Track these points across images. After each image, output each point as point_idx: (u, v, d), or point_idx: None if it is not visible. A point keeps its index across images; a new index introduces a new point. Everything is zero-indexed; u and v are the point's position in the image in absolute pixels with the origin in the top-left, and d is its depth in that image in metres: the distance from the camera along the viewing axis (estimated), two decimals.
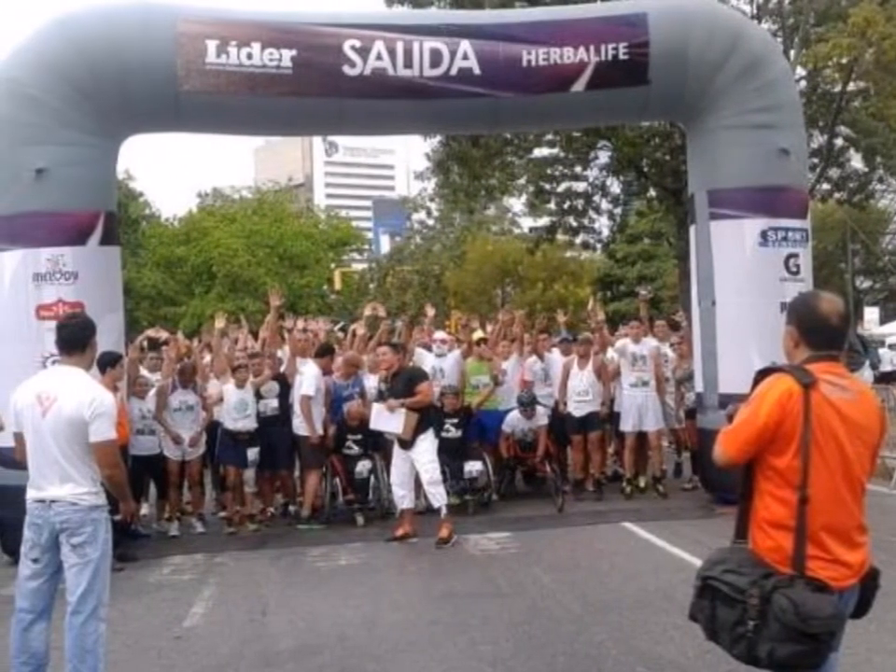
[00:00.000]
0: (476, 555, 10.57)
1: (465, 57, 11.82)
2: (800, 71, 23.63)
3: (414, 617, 8.27)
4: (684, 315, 14.88)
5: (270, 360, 12.70)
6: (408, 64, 11.73)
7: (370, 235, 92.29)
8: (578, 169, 29.99)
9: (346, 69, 11.64)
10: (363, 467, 12.32)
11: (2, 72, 11.33)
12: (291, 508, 12.92)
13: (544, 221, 35.34)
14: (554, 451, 13.71)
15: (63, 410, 5.87)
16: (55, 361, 7.92)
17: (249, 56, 11.47)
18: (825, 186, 28.85)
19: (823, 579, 3.92)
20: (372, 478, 12.42)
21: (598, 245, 37.39)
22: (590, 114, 13.71)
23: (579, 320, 28.54)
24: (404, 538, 11.21)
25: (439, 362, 13.41)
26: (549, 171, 29.82)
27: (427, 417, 11.22)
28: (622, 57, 12.02)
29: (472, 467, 12.57)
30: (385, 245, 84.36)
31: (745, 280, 12.28)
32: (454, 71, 11.82)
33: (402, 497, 11.32)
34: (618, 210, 35.21)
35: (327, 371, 12.80)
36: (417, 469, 11.15)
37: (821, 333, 4.10)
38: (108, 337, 9.85)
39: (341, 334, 18.17)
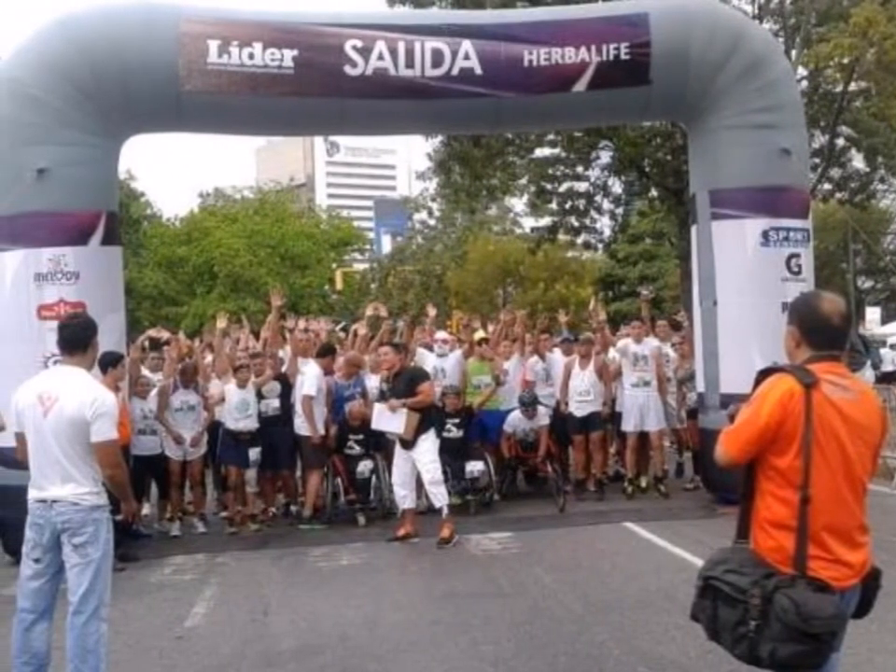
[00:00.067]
0: (478, 555, 10.57)
1: (466, 57, 11.82)
2: (801, 71, 23.64)
3: (416, 617, 8.27)
4: (686, 315, 14.88)
5: (271, 360, 12.71)
6: (409, 64, 11.72)
7: (371, 235, 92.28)
8: (579, 169, 29.99)
9: (348, 69, 11.64)
10: (365, 467, 12.32)
11: (4, 72, 11.34)
12: (293, 508, 12.92)
13: (546, 221, 35.35)
14: (556, 451, 13.72)
15: (65, 410, 5.88)
16: (56, 361, 7.94)
17: (251, 56, 11.47)
18: (826, 186, 28.82)
19: (825, 579, 3.92)
20: (374, 478, 12.42)
21: (600, 245, 37.34)
22: (591, 114, 13.70)
23: (580, 320, 28.51)
24: (406, 538, 11.21)
25: (440, 362, 13.40)
26: (550, 171, 29.81)
27: (429, 417, 11.22)
28: (623, 57, 12.02)
29: (474, 467, 12.56)
30: (387, 245, 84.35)
31: (746, 280, 12.27)
32: (455, 71, 11.82)
33: (404, 497, 11.32)
34: (619, 210, 35.21)
35: (328, 371, 12.80)
36: (419, 469, 11.15)
37: (823, 333, 4.10)
38: (110, 337, 9.85)
39: (342, 334, 18.17)
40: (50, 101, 10.88)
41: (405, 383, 11.17)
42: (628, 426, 13.66)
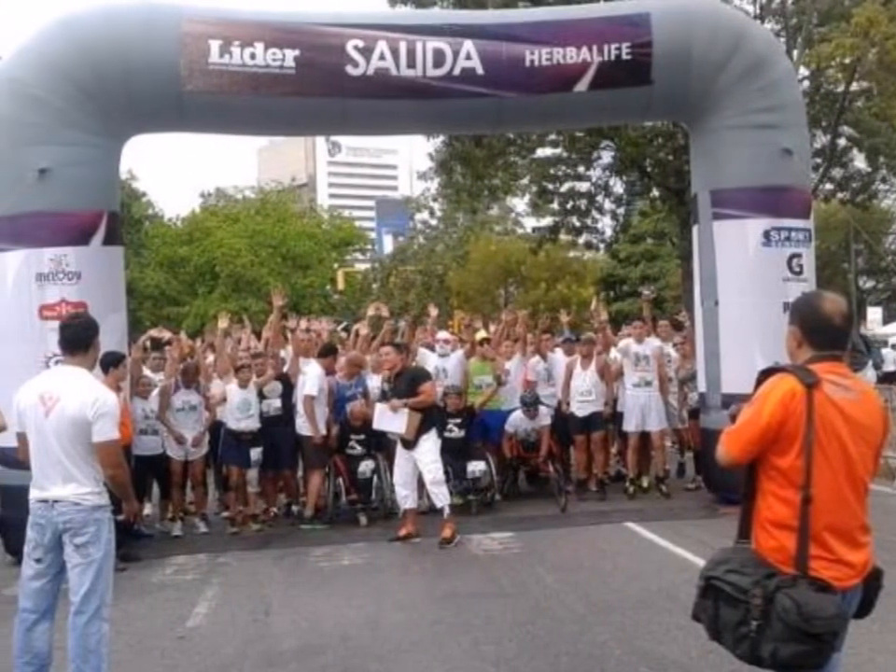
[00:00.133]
0: (479, 555, 10.57)
1: (468, 57, 11.81)
2: (803, 71, 23.65)
3: (417, 617, 8.27)
4: (687, 315, 14.88)
5: (273, 360, 12.70)
6: (411, 64, 11.72)
7: (373, 235, 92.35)
8: (581, 169, 30.00)
9: (349, 69, 11.64)
10: (366, 467, 12.32)
11: (5, 72, 11.34)
12: (294, 508, 12.92)
13: (547, 221, 35.39)
14: (557, 451, 13.71)
15: (66, 410, 5.88)
16: (58, 361, 7.95)
17: (252, 56, 11.47)
18: (828, 186, 28.80)
19: (826, 579, 3.92)
20: (375, 478, 12.42)
21: (601, 245, 37.35)
22: (593, 114, 13.69)
23: (582, 320, 28.45)
24: (407, 538, 11.21)
25: (442, 362, 13.41)
26: (552, 171, 29.83)
27: (430, 417, 11.22)
28: (625, 57, 12.01)
29: (475, 467, 12.56)
30: (389, 245, 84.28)
31: (748, 280, 12.27)
32: (457, 71, 11.81)
33: (405, 497, 11.33)
34: (621, 210, 35.22)
35: (330, 371, 12.80)
36: (420, 468, 11.16)
37: (824, 333, 4.10)
38: (111, 337, 9.85)
39: (344, 334, 18.17)
40: (52, 101, 10.88)
41: (407, 383, 11.17)
42: (630, 426, 13.66)
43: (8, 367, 10.31)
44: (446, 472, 11.52)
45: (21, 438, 6.17)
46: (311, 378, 12.23)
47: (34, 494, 6.01)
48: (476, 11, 18.63)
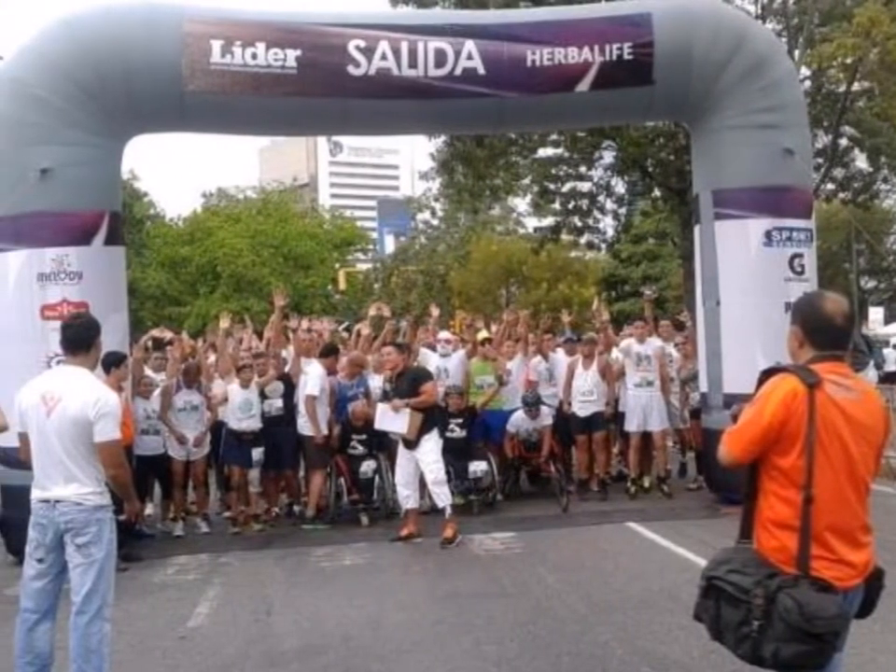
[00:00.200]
0: (481, 555, 10.57)
1: (469, 57, 11.81)
2: (804, 71, 23.63)
3: (419, 617, 8.27)
4: (689, 315, 14.88)
5: (274, 360, 12.71)
6: (412, 64, 11.72)
7: (374, 235, 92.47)
8: (582, 169, 30.00)
9: (351, 69, 11.64)
10: (368, 467, 12.32)
11: (7, 72, 11.35)
12: (296, 508, 12.92)
13: (549, 221, 35.40)
14: (559, 451, 13.70)
15: (68, 410, 5.88)
16: (60, 361, 7.96)
17: (254, 56, 11.46)
18: (830, 186, 28.80)
19: (828, 579, 3.92)
20: (377, 478, 12.42)
21: (603, 245, 37.36)
22: (594, 114, 13.68)
23: (583, 320, 28.50)
24: (409, 538, 11.21)
25: (443, 362, 13.40)
26: (553, 171, 29.82)
27: (432, 417, 11.22)
28: (626, 57, 12.01)
29: (477, 467, 12.57)
30: (390, 245, 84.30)
31: (749, 280, 12.27)
32: (458, 71, 11.81)
33: (407, 497, 11.33)
34: (622, 210, 35.22)
35: (331, 371, 12.80)
36: (422, 468, 11.16)
37: (826, 333, 4.10)
38: (113, 337, 9.83)
39: (345, 334, 18.20)
40: (54, 101, 10.88)
41: (408, 383, 11.18)
42: (631, 426, 13.65)
43: (10, 367, 10.31)
44: (448, 472, 11.52)
45: (23, 438, 6.16)
46: (312, 378, 12.23)
47: (35, 494, 6.01)
48: (477, 11, 18.63)
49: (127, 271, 12.70)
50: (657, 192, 30.49)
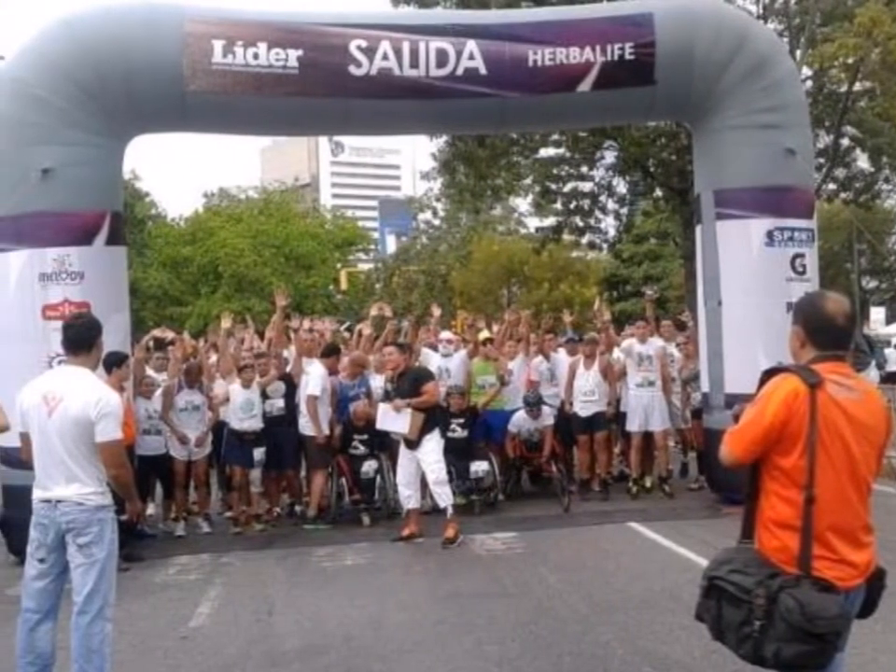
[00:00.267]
0: (482, 555, 10.57)
1: (471, 57, 11.81)
2: (806, 71, 23.61)
3: (420, 617, 8.27)
4: (690, 315, 14.87)
5: (276, 360, 12.71)
6: (414, 64, 11.72)
7: (375, 235, 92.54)
8: (584, 169, 30.00)
9: (352, 69, 11.64)
10: (369, 467, 12.32)
11: (7, 72, 11.37)
12: (297, 508, 12.91)
13: (550, 221, 35.39)
14: (560, 451, 13.69)
15: (69, 410, 5.88)
16: (61, 361, 7.95)
17: (255, 56, 11.47)
18: (831, 186, 28.80)
19: (829, 579, 3.92)
20: (378, 478, 12.42)
21: (604, 245, 37.33)
22: (596, 114, 13.68)
23: (585, 320, 28.55)
24: (410, 538, 11.21)
25: (445, 362, 13.40)
26: (555, 171, 29.83)
27: (433, 417, 11.21)
28: (628, 57, 12.01)
29: (478, 467, 12.56)
30: (391, 245, 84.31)
31: (751, 280, 12.26)
32: (460, 71, 11.81)
33: (408, 497, 11.33)
34: (624, 210, 35.17)
35: (333, 371, 12.80)
36: (423, 468, 11.16)
37: (827, 333, 4.10)
38: (114, 337, 9.83)
39: (347, 334, 18.20)
40: (54, 101, 10.88)
41: (410, 383, 11.18)
42: (633, 426, 13.65)
43: (11, 367, 10.31)
44: (449, 472, 11.53)
45: (25, 438, 6.16)
46: (314, 378, 12.23)
47: (37, 494, 6.01)
48: (479, 11, 18.63)
49: (128, 271, 12.69)
50: (659, 192, 30.48)
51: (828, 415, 3.93)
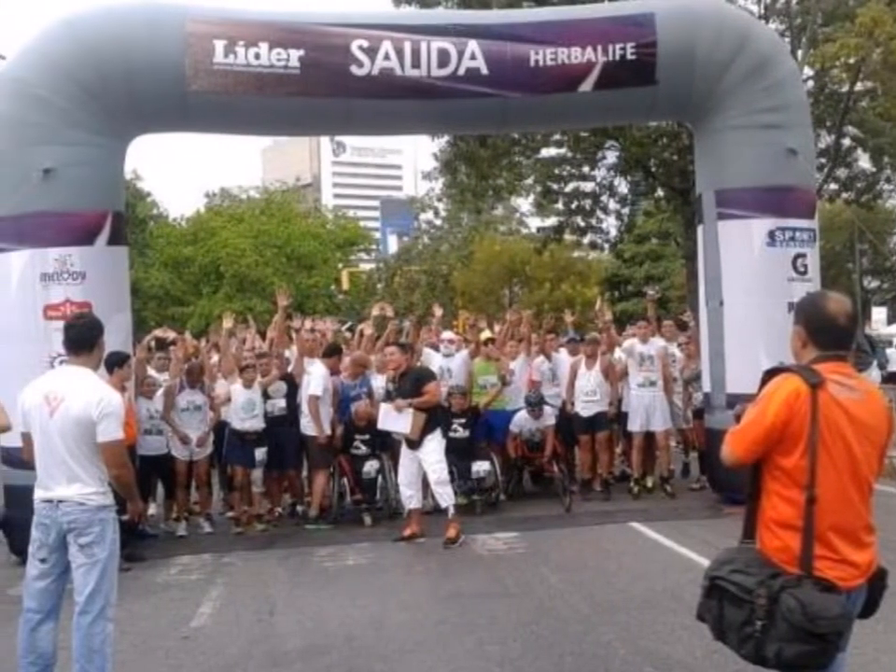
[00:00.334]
0: (483, 555, 10.57)
1: (472, 57, 11.82)
2: (807, 71, 23.62)
3: (422, 617, 8.27)
4: (692, 315, 14.88)
5: (277, 360, 12.72)
6: (416, 64, 11.72)
7: (377, 235, 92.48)
8: (585, 169, 29.95)
9: (354, 69, 11.64)
10: (371, 467, 12.32)
11: (9, 72, 11.37)
12: (299, 508, 12.92)
13: (552, 221, 35.37)
14: (562, 451, 13.69)
15: (71, 410, 5.88)
16: (63, 361, 7.94)
17: (257, 56, 11.47)
18: (833, 186, 28.79)
19: (831, 579, 3.92)
20: (380, 478, 12.42)
21: (606, 245, 37.30)
22: (597, 114, 13.68)
23: (586, 320, 28.55)
24: (412, 538, 11.21)
25: (446, 362, 13.39)
26: (556, 171, 29.80)
27: (435, 417, 11.22)
28: (629, 57, 12.01)
29: (480, 467, 12.56)
30: (393, 245, 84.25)
31: (752, 280, 12.26)
32: (461, 71, 11.81)
33: (410, 497, 11.33)
34: (625, 210, 35.14)
35: (334, 372, 12.80)
36: (425, 468, 11.16)
37: (829, 333, 4.09)
38: (116, 337, 9.84)
39: (348, 334, 18.18)
40: (56, 101, 10.89)
41: (411, 383, 11.18)
42: (634, 426, 13.64)
43: (13, 367, 10.32)
44: (451, 472, 11.54)
45: (26, 438, 6.17)
46: (315, 378, 12.23)
47: (38, 494, 6.01)
48: (480, 11, 18.61)
49: (130, 271, 12.68)
50: (660, 192, 30.44)
51: (829, 415, 3.93)
